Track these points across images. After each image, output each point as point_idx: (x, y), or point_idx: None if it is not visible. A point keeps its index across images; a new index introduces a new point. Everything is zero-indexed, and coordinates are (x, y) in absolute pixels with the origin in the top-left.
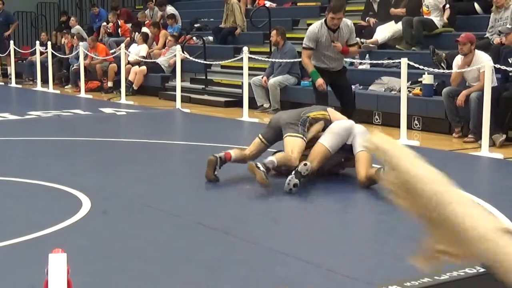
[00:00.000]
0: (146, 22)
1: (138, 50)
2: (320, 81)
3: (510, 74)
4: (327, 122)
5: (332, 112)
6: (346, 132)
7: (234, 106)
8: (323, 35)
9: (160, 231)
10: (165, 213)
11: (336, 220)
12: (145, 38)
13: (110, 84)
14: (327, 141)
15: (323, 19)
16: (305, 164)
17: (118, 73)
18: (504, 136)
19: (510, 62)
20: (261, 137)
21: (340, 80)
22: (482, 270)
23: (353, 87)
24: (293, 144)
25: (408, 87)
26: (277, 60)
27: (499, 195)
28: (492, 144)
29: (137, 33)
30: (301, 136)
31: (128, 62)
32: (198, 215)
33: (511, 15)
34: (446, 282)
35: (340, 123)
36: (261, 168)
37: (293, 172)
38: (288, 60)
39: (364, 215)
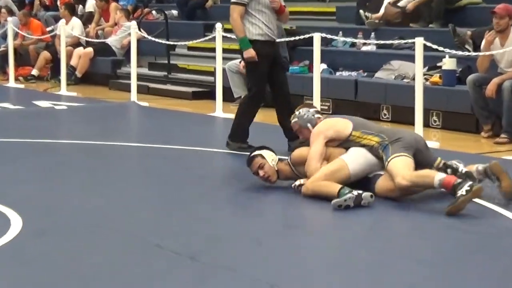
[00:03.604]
0: None
1: (70, 28)
2: (252, 51)
3: None
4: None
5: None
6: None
7: (204, 98)
8: None
9: (111, 256)
10: (118, 232)
11: (331, 242)
12: (72, 11)
13: (35, 72)
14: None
15: None
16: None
17: (56, 58)
18: None
19: None
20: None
21: (277, 56)
22: None
23: (354, 74)
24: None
25: (424, 74)
26: None
27: None
28: None
29: (81, 6)
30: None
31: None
32: (158, 235)
33: None
34: None
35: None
36: None
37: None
38: None
39: (360, 233)
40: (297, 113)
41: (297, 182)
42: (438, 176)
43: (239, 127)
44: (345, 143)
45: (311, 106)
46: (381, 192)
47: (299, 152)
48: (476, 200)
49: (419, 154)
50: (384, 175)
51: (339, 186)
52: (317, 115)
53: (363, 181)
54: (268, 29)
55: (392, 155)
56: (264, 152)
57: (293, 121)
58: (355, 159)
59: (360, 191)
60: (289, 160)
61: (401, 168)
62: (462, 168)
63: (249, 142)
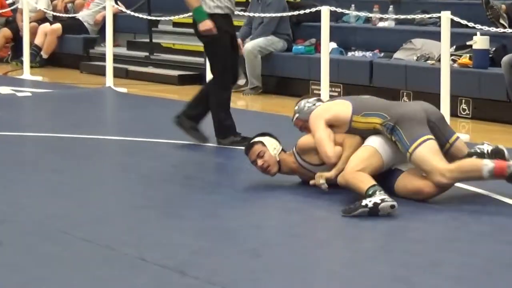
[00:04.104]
0: None
1: (34, 1)
2: (209, 23)
3: None
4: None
5: None
6: None
7: (192, 83)
8: None
9: (83, 271)
10: (91, 243)
11: (342, 254)
12: None
13: None
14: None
15: None
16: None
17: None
18: None
19: None
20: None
21: (235, 35)
22: None
23: (369, 54)
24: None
25: (452, 55)
26: (257, 15)
27: None
28: None
29: None
30: None
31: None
32: (141, 246)
33: None
34: None
35: None
36: None
37: None
38: (274, 15)
39: (376, 243)
40: (296, 108)
41: (321, 181)
42: (485, 166)
43: (220, 121)
44: (350, 131)
45: (310, 96)
46: (403, 194)
47: (307, 138)
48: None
49: (433, 128)
50: (407, 173)
51: (370, 183)
52: (318, 103)
53: (383, 174)
54: (228, 1)
55: (412, 142)
56: (265, 139)
57: (294, 118)
58: (382, 146)
59: (381, 198)
60: (294, 149)
61: (434, 160)
62: (487, 148)
63: (243, 134)
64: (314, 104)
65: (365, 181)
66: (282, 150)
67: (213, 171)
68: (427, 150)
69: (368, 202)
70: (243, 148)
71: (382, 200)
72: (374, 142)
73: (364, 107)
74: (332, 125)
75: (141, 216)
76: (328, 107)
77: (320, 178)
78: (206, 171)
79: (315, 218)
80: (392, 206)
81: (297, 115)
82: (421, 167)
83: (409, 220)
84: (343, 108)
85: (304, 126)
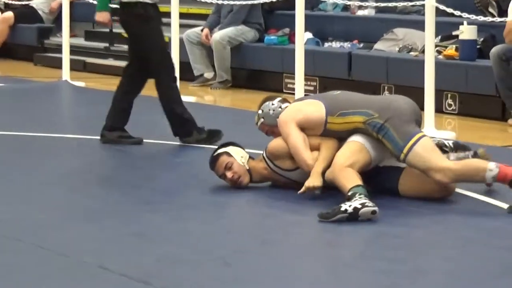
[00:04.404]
0: None
1: None
2: (105, 15)
3: None
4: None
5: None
6: None
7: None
8: None
9: (38, 280)
10: (46, 250)
11: (321, 261)
12: None
13: None
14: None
15: None
16: None
17: None
18: None
19: None
20: None
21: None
22: None
23: (347, 45)
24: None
25: (437, 45)
26: (226, 2)
27: None
28: None
29: None
30: None
31: None
32: (99, 254)
33: None
34: None
35: None
36: None
37: None
38: (245, 2)
39: (356, 250)
40: (260, 112)
41: (311, 184)
42: (490, 172)
43: (183, 117)
44: (326, 134)
45: (272, 97)
46: (410, 195)
47: (277, 142)
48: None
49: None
50: (411, 172)
51: (354, 182)
52: (284, 105)
53: (374, 176)
54: None
55: (406, 141)
56: (230, 149)
57: (259, 123)
58: (367, 142)
59: (362, 203)
60: (264, 154)
61: (434, 158)
62: (469, 154)
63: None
64: (280, 107)
65: (350, 180)
66: (250, 157)
67: (178, 171)
68: (424, 149)
69: (348, 207)
70: (210, 146)
71: (363, 205)
72: (359, 138)
73: (339, 106)
74: (304, 127)
75: (99, 221)
76: (297, 108)
77: (311, 189)
78: (171, 171)
79: (290, 223)
80: (374, 212)
81: (262, 120)
82: (419, 167)
83: (391, 225)
84: (315, 109)
85: (271, 131)
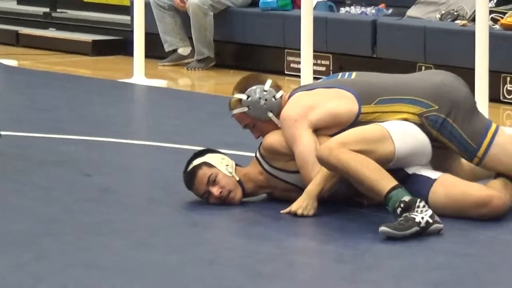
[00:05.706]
0: None
1: None
2: None
3: None
4: None
5: None
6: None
7: (114, 53)
8: None
9: None
10: None
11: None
12: None
13: None
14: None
15: None
16: None
17: None
18: None
19: None
20: None
21: None
22: None
23: (370, 10)
24: None
25: (491, 12)
26: None
27: None
28: None
29: None
30: None
31: None
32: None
33: None
34: None
35: None
36: None
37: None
38: None
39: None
40: (244, 98)
41: (299, 211)
42: None
43: None
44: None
45: (259, 78)
46: (448, 209)
47: (275, 137)
48: None
49: None
50: (449, 180)
51: (392, 182)
52: (279, 94)
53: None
54: None
55: (481, 140)
56: (208, 158)
57: (239, 110)
58: (402, 133)
59: (431, 215)
60: (257, 154)
61: None
62: None
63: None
64: (273, 96)
65: (381, 175)
66: (236, 164)
67: (144, 181)
68: (503, 149)
69: (421, 219)
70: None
71: (433, 219)
72: (390, 125)
73: (378, 90)
74: (321, 127)
75: (43, 246)
76: (315, 102)
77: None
78: (132, 182)
79: (293, 250)
80: (441, 230)
81: (245, 108)
82: (501, 171)
83: (431, 252)
84: (343, 104)
85: (254, 125)
